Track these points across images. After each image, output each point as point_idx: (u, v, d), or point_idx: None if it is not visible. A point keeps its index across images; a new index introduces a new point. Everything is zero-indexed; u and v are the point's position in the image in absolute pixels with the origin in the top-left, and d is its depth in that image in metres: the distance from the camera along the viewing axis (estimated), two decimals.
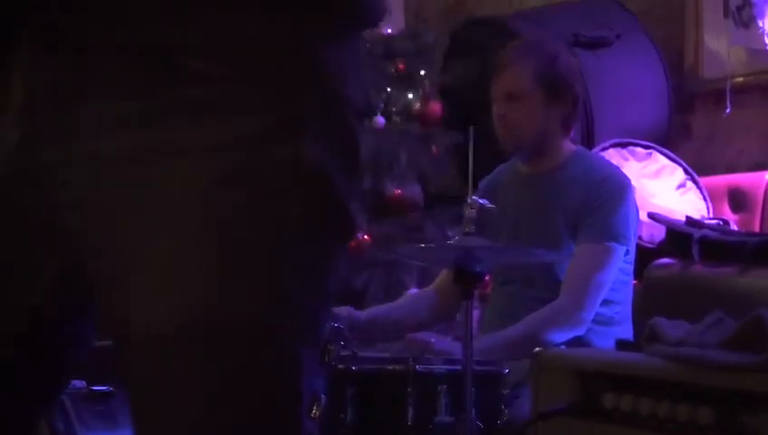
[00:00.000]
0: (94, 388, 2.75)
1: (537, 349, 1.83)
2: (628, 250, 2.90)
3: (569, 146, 3.06)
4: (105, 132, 1.04)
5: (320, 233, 1.08)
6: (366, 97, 1.12)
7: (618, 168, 3.29)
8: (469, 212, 2.52)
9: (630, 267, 2.97)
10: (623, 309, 2.96)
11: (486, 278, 3.03)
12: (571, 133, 3.09)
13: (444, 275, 3.15)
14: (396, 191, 4.16)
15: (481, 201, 2.56)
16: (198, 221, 1.02)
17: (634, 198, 2.99)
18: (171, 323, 1.01)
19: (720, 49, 4.35)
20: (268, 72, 1.05)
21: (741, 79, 4.28)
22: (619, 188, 2.94)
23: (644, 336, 1.69)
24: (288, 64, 1.06)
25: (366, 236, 4.00)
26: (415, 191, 4.23)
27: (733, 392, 1.45)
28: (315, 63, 1.08)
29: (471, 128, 2.58)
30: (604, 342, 2.71)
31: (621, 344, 1.80)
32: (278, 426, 1.07)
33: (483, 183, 3.17)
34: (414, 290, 3.92)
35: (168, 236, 1.02)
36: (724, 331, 1.51)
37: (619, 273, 2.90)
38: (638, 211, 3.01)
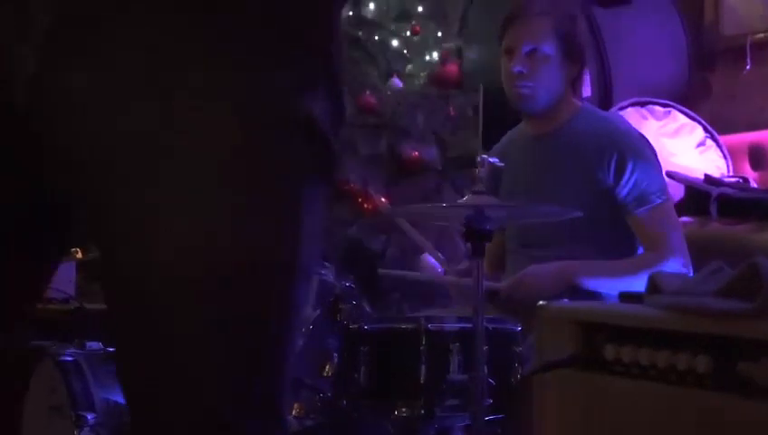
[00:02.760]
0: (110, 349, 2.78)
1: (541, 302, 1.83)
2: None
3: (575, 103, 3.05)
4: (134, 67, 1.05)
5: (320, 180, 1.14)
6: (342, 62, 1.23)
7: (625, 121, 3.29)
8: (479, 171, 2.51)
9: None
10: None
11: None
12: (583, 92, 3.08)
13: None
14: (413, 154, 4.16)
15: (491, 160, 2.55)
16: (223, 164, 1.06)
17: (652, 146, 3.00)
18: (194, 264, 1.04)
19: (739, 5, 4.30)
20: (297, 30, 1.11)
21: (761, 35, 4.24)
22: (641, 144, 2.95)
23: (646, 288, 1.69)
24: (313, 26, 1.13)
25: (384, 199, 4.01)
26: (432, 154, 4.22)
27: (730, 340, 1.45)
28: (330, 27, 1.15)
29: (481, 86, 2.56)
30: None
31: (624, 296, 1.80)
32: (277, 362, 1.12)
33: (494, 148, 3.17)
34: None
35: (194, 179, 1.05)
36: (722, 279, 1.51)
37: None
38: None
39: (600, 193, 2.89)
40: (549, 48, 2.92)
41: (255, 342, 1.09)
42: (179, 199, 1.05)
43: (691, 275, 2.82)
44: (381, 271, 3.38)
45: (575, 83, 3.01)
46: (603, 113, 3.20)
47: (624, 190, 2.87)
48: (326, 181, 1.16)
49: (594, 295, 2.82)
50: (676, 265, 2.83)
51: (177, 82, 1.05)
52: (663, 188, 2.92)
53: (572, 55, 2.96)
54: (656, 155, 2.97)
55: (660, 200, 2.89)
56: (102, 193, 1.07)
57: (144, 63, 1.05)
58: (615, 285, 2.76)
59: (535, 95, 2.94)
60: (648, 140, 3.01)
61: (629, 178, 2.87)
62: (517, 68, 2.93)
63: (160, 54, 1.05)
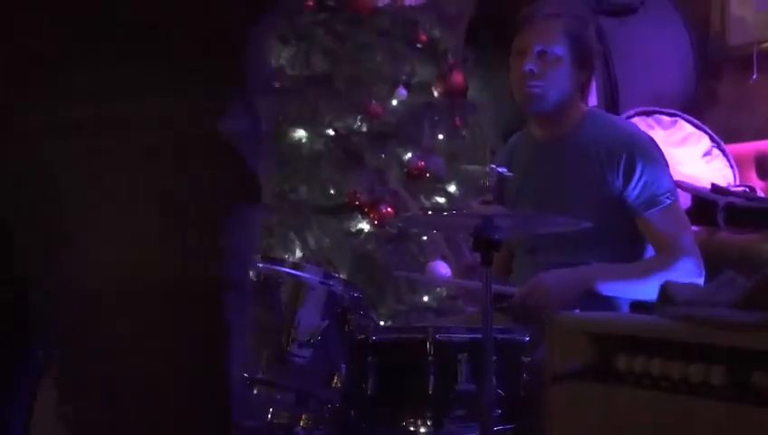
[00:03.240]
0: None
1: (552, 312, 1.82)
2: None
3: (583, 107, 3.04)
4: (67, 102, 1.14)
5: (237, 194, 1.23)
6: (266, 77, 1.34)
7: (633, 124, 3.28)
8: (488, 181, 2.50)
9: None
10: None
11: None
12: (588, 99, 3.08)
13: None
14: (420, 163, 4.15)
15: (500, 169, 2.54)
16: (142, 186, 1.16)
17: (660, 148, 3.00)
18: (116, 280, 1.15)
19: (746, 14, 4.30)
20: (203, 57, 1.19)
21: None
22: (650, 146, 2.95)
23: (657, 298, 1.68)
24: (219, 51, 1.21)
25: (389, 209, 4.00)
26: (438, 164, 4.22)
27: (744, 351, 1.45)
28: (238, 52, 1.22)
29: (491, 101, 2.56)
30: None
31: (635, 306, 1.80)
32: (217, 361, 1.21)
33: (499, 153, 3.15)
34: (438, 262, 3.93)
35: (119, 202, 1.16)
36: (736, 290, 1.50)
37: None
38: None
39: (608, 196, 2.89)
40: (560, 50, 2.92)
41: (189, 341, 1.18)
42: (111, 222, 1.15)
43: (703, 275, 2.82)
44: (396, 272, 3.36)
45: (584, 88, 3.00)
46: (611, 117, 3.19)
47: (634, 192, 2.87)
48: (246, 197, 1.23)
49: (606, 300, 2.80)
50: (689, 265, 2.83)
51: (96, 117, 1.13)
52: (672, 189, 2.93)
53: (582, 59, 2.96)
54: (664, 156, 2.97)
55: (670, 201, 2.89)
56: (41, 215, 1.17)
57: (71, 105, 1.13)
58: (631, 287, 2.75)
59: (545, 95, 2.93)
60: (656, 142, 3.01)
61: (639, 180, 2.87)
62: (528, 67, 2.92)
63: (81, 95, 1.13)
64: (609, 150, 2.91)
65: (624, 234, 2.93)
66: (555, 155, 3.01)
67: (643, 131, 3.09)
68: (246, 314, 1.29)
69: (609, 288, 2.80)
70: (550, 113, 2.97)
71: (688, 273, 2.80)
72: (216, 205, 1.19)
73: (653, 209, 2.87)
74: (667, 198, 2.88)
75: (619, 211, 2.89)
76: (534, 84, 2.92)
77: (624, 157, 2.88)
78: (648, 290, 2.60)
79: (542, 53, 2.92)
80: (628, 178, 2.88)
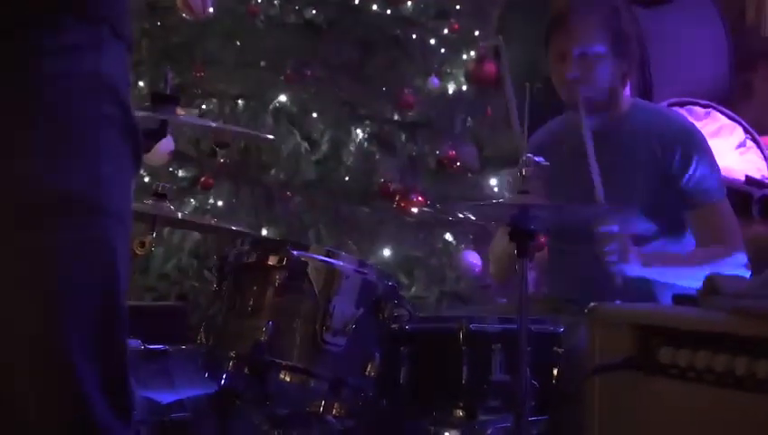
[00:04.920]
0: (150, 347, 2.76)
1: (592, 304, 1.80)
2: None
3: (628, 98, 3.00)
4: None
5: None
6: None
7: (682, 114, 3.24)
8: (525, 170, 2.47)
9: None
10: None
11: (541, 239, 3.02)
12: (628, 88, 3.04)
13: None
14: (451, 153, 4.14)
15: (536, 159, 2.52)
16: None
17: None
18: None
19: None
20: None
21: None
22: (701, 138, 2.92)
23: (702, 290, 1.66)
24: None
25: (421, 198, 3.98)
26: (470, 153, 4.20)
27: None
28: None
29: (527, 85, 2.51)
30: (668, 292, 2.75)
31: (678, 298, 1.77)
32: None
33: (534, 139, 3.05)
34: (468, 251, 3.91)
35: None
36: None
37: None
38: None
39: (658, 188, 2.86)
40: (600, 48, 2.85)
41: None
42: None
43: (750, 269, 2.80)
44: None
45: (626, 76, 2.95)
46: (658, 107, 3.16)
47: (689, 184, 2.84)
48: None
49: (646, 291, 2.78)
50: (743, 257, 2.82)
51: None
52: (723, 182, 2.91)
53: (623, 48, 2.90)
54: (711, 148, 2.94)
55: (722, 195, 2.88)
56: None
57: None
58: (691, 274, 2.71)
59: (594, 97, 2.86)
60: (702, 134, 2.97)
61: (695, 172, 2.84)
62: (572, 75, 2.85)
63: None
64: (662, 141, 2.87)
65: (668, 224, 2.90)
66: (604, 143, 2.95)
67: (691, 122, 3.05)
68: (126, 259, 1.32)
69: (671, 272, 2.77)
70: (595, 109, 2.90)
71: (741, 265, 2.78)
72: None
73: (709, 201, 2.85)
74: (720, 191, 2.87)
75: (666, 202, 2.86)
76: (581, 90, 2.86)
77: (679, 149, 2.85)
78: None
79: (582, 56, 2.86)
80: (683, 169, 2.84)
